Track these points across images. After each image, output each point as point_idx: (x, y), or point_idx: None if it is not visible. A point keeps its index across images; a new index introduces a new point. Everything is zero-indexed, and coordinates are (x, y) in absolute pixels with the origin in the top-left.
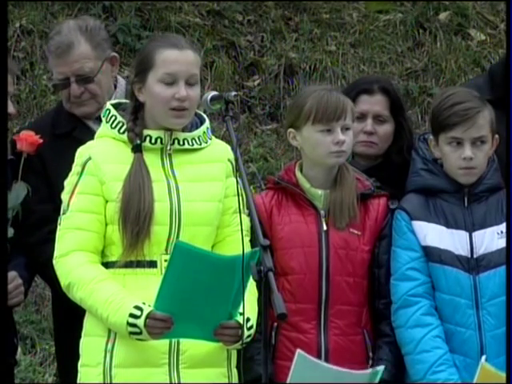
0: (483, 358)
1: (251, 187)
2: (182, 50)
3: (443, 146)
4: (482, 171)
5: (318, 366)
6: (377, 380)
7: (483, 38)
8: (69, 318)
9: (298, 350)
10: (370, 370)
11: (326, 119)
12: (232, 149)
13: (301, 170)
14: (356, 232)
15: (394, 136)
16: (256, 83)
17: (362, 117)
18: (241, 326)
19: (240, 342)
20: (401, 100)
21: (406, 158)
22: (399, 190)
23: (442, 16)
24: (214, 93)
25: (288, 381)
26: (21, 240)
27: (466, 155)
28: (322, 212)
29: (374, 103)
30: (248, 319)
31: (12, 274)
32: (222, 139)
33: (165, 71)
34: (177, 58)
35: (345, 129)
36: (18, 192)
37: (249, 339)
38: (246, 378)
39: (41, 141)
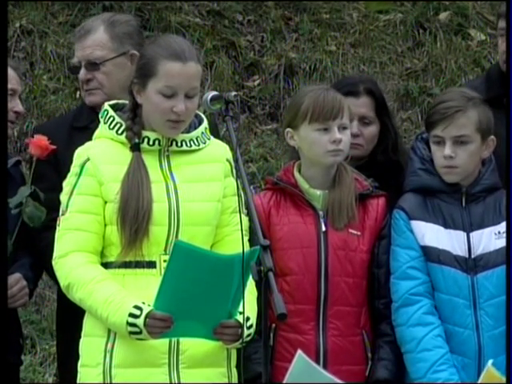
0: (490, 361)
1: (251, 187)
2: (186, 62)
3: (431, 144)
4: (466, 171)
5: (316, 370)
6: None
7: (483, 38)
8: (72, 317)
9: (299, 351)
10: None
11: (323, 118)
12: (232, 149)
13: (299, 171)
14: (355, 232)
15: (378, 136)
16: (256, 83)
17: None
18: (241, 325)
19: (240, 341)
20: (385, 100)
21: (391, 158)
22: (385, 189)
23: (442, 16)
24: (214, 93)
25: (285, 380)
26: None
27: (445, 154)
28: (321, 213)
29: (360, 105)
30: (248, 318)
31: (16, 276)
32: (222, 139)
33: (166, 84)
34: (179, 72)
35: (342, 128)
36: (21, 193)
37: (249, 338)
38: (243, 377)
39: (53, 147)
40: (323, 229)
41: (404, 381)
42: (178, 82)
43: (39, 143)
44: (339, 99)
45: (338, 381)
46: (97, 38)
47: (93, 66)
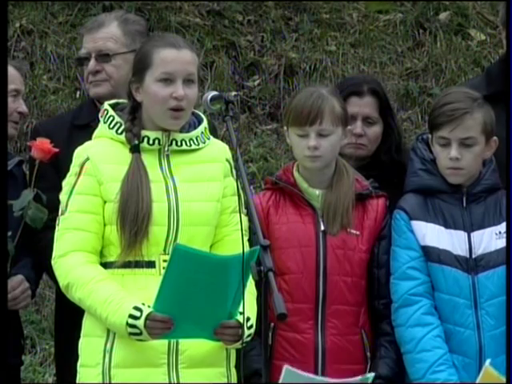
0: (488, 361)
1: (251, 187)
2: (180, 49)
3: (435, 145)
4: (471, 172)
5: (306, 377)
6: None
7: (483, 37)
8: (70, 317)
9: (285, 366)
10: (359, 377)
11: (299, 123)
12: (232, 149)
13: (299, 170)
14: (354, 232)
15: (382, 136)
16: (256, 83)
17: (351, 119)
18: (241, 326)
19: (240, 342)
20: (389, 100)
21: (394, 158)
22: (388, 189)
23: (442, 16)
24: (214, 93)
25: None
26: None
27: (451, 155)
28: (320, 212)
29: (364, 105)
30: (248, 318)
31: (18, 278)
32: (222, 139)
33: (162, 70)
34: (174, 57)
35: (320, 134)
36: (24, 197)
37: (249, 338)
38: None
39: (56, 150)
40: (322, 228)
41: (404, 381)
42: (174, 67)
43: (42, 146)
44: (319, 105)
45: (330, 380)
46: (110, 31)
47: (103, 57)
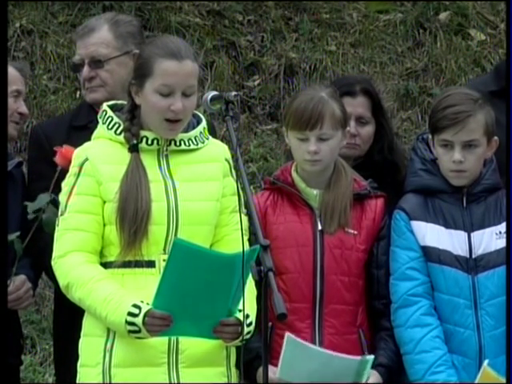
0: (486, 361)
1: (251, 187)
2: (182, 60)
3: (437, 147)
4: (474, 174)
5: (308, 349)
6: (366, 370)
7: (483, 38)
8: (69, 317)
9: (287, 334)
10: (359, 358)
11: (299, 128)
12: (232, 149)
13: (297, 170)
14: (352, 231)
15: (374, 136)
16: (256, 83)
17: None
18: (240, 323)
19: (240, 339)
20: (381, 100)
21: (387, 157)
22: (382, 189)
23: (442, 16)
24: (214, 93)
25: (279, 366)
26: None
27: (455, 158)
28: (318, 212)
29: (357, 105)
30: (247, 316)
31: (21, 278)
32: (222, 139)
33: (162, 82)
34: (175, 70)
35: (320, 138)
36: (40, 200)
37: (248, 336)
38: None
39: None
40: (319, 228)
41: (403, 381)
42: (175, 80)
43: (66, 154)
44: (320, 109)
45: (332, 353)
46: (101, 36)
47: (96, 63)
